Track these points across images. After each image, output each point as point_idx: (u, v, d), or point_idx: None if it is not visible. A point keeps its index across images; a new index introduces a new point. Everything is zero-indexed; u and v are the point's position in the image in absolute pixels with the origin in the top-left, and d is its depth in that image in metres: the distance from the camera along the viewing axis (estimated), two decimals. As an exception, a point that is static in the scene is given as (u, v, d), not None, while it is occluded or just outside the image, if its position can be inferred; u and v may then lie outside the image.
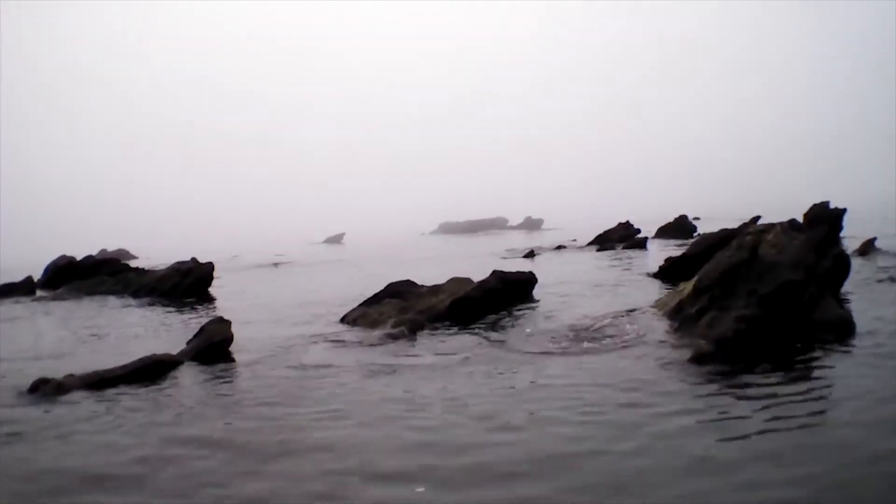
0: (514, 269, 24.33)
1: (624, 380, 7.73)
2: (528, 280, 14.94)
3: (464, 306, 12.74)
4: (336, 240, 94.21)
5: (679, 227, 41.27)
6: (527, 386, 7.93)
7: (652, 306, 11.55)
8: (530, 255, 30.13)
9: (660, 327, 9.89)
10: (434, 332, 11.65)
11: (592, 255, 29.71)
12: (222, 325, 11.43)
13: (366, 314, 12.32)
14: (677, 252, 26.83)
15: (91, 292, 25.16)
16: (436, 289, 13.46)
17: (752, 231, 10.98)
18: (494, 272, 13.88)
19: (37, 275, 28.41)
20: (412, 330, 11.23)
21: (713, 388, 7.42)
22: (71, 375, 9.01)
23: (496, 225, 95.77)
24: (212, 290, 23.38)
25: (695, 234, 40.27)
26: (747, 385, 7.41)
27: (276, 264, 38.50)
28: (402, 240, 77.47)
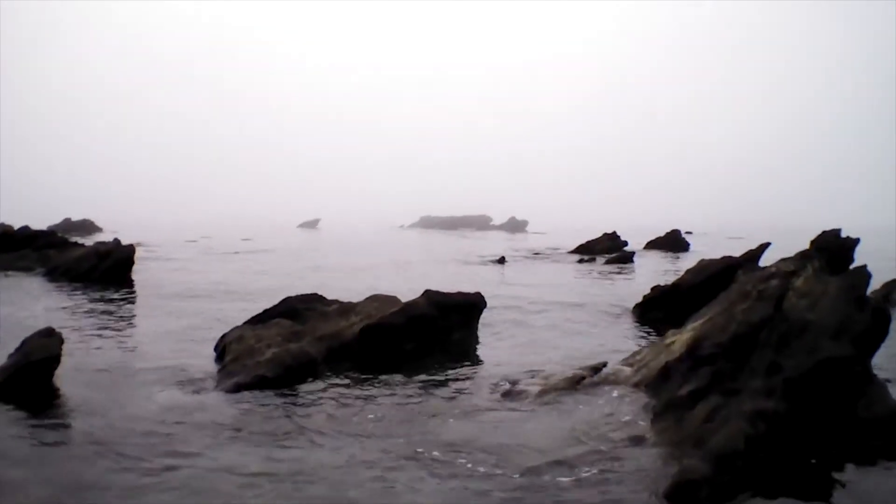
0: (478, 276, 22.40)
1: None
2: (473, 304, 11.67)
3: (380, 336, 9.53)
4: (311, 225, 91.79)
5: (671, 242, 38.28)
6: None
7: (627, 363, 8.34)
8: (501, 261, 26.98)
9: (631, 410, 6.61)
10: (328, 376, 8.47)
11: (571, 267, 26.49)
12: (48, 340, 8.24)
13: (243, 338, 9.04)
14: (666, 274, 24.08)
15: (8, 267, 22.57)
16: (347, 308, 10.23)
17: (776, 271, 7.81)
18: (427, 292, 10.62)
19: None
20: (288, 372, 7.95)
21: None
22: None
23: (478, 223, 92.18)
24: (140, 275, 20.48)
25: (688, 249, 37.34)
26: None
27: (236, 252, 35.29)
28: (378, 231, 74.65)
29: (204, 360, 9.18)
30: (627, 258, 28.74)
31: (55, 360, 8.04)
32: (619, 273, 24.07)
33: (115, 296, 16.03)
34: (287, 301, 10.40)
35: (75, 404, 7.25)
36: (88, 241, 37.80)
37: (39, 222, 57.03)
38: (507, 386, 7.81)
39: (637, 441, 5.85)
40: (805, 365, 6.38)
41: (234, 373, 8.18)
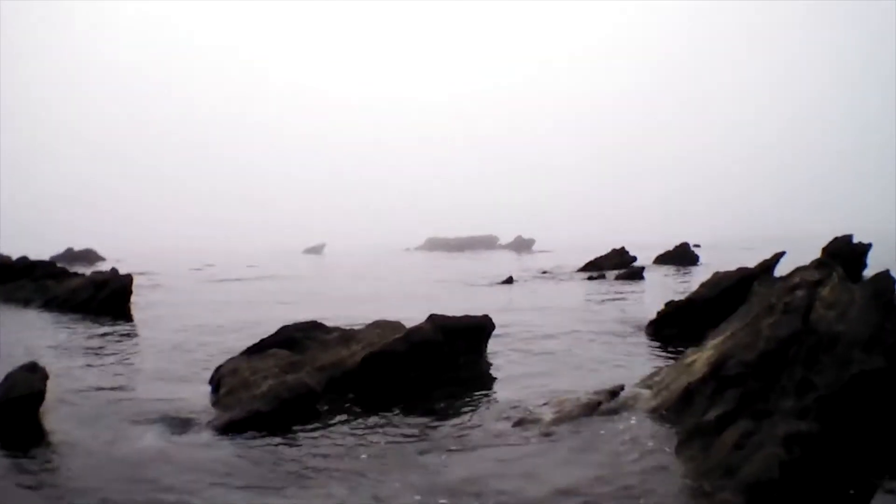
0: (486, 298, 21.83)
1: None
2: (481, 328, 11.20)
3: (383, 365, 9.05)
4: (316, 250, 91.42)
5: (680, 256, 37.80)
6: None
7: (645, 386, 7.85)
8: (509, 281, 26.47)
9: (653, 438, 6.11)
10: (327, 409, 8.00)
11: (580, 285, 25.97)
12: (31, 375, 7.87)
13: (238, 371, 8.58)
14: (677, 289, 23.60)
15: (6, 298, 22.39)
16: (347, 336, 9.75)
17: (800, 281, 7.33)
18: (432, 316, 10.15)
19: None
20: (284, 406, 7.46)
21: None
22: None
23: (485, 244, 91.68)
24: (139, 305, 20.15)
25: (698, 263, 36.82)
26: None
27: (238, 279, 34.90)
28: (384, 255, 74.18)
29: (199, 395, 8.70)
30: (637, 274, 28.26)
31: (38, 396, 7.64)
32: (629, 289, 23.56)
33: (111, 328, 15.58)
34: (284, 330, 9.92)
35: (58, 444, 6.83)
36: (90, 270, 37.72)
37: (41, 252, 57.02)
38: (519, 415, 7.31)
39: (662, 472, 5.35)
40: (838, 381, 5.92)
41: (228, 407, 7.72)
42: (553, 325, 14.55)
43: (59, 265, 27.79)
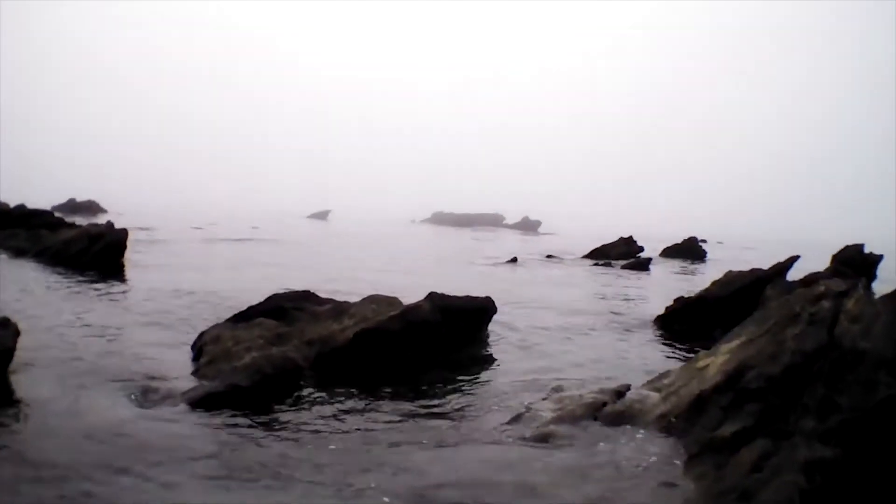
0: (488, 278, 21.37)
1: None
2: (483, 310, 10.72)
3: (375, 343, 8.56)
4: (321, 216, 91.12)
5: (687, 250, 37.13)
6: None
7: (653, 387, 7.34)
8: (513, 261, 25.95)
9: (660, 448, 5.59)
10: (311, 388, 7.53)
11: (585, 271, 25.46)
12: (1, 331, 7.36)
13: (220, 339, 8.09)
14: (685, 283, 23.05)
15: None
16: (340, 309, 9.25)
17: (826, 291, 6.80)
18: (431, 295, 9.67)
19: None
20: (266, 381, 6.97)
21: None
22: None
23: (491, 221, 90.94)
24: (134, 261, 19.66)
25: (705, 259, 36.25)
26: None
27: (239, 240, 34.38)
28: (390, 225, 73.66)
29: (179, 363, 8.21)
30: (644, 265, 27.67)
31: (7, 354, 7.15)
32: (635, 280, 23.03)
33: (100, 284, 15.04)
34: (274, 298, 9.44)
35: (21, 410, 6.33)
36: (89, 222, 37.23)
37: (45, 202, 56.48)
38: (515, 410, 6.83)
39: (670, 490, 4.86)
40: (863, 405, 5.42)
41: (207, 378, 7.26)
42: (556, 312, 14.07)
43: (58, 215, 27.29)
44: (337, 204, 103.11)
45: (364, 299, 9.58)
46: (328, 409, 6.86)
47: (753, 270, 14.50)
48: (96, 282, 15.02)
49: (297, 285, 15.91)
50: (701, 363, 7.13)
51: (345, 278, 17.84)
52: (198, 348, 8.40)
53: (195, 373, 7.72)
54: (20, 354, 7.24)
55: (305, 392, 7.37)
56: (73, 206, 58.75)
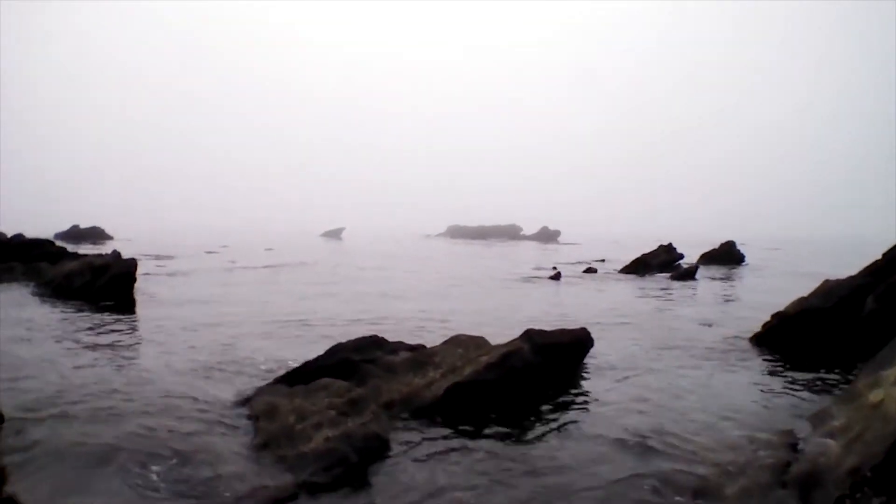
0: (535, 298, 18.71)
1: None
2: (581, 344, 8.79)
3: (468, 396, 6.67)
4: (335, 234, 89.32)
5: (726, 255, 35.15)
6: None
7: (825, 432, 5.44)
8: (556, 277, 23.90)
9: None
10: (398, 458, 5.62)
11: (633, 285, 23.34)
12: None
13: (277, 410, 6.13)
14: (740, 290, 21.08)
15: None
16: (420, 358, 7.29)
17: None
18: (529, 333, 7.74)
19: None
20: (349, 471, 5.05)
21: None
22: None
23: (508, 233, 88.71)
24: (146, 294, 17.80)
25: (743, 263, 34.25)
26: None
27: (259, 266, 32.53)
28: (406, 241, 71.71)
29: (220, 437, 6.25)
30: (691, 274, 25.72)
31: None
32: (689, 292, 20.98)
33: (108, 321, 13.08)
34: (337, 351, 7.39)
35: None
36: (96, 250, 35.26)
37: (46, 230, 54.65)
38: (690, 483, 4.93)
39: None
40: None
41: (265, 469, 5.32)
42: (637, 337, 12.10)
43: (60, 244, 25.38)
44: (349, 221, 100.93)
45: (447, 343, 7.67)
46: (422, 475, 4.98)
47: (851, 278, 12.64)
48: (103, 323, 13.00)
49: (340, 317, 14.19)
50: (871, 397, 5.37)
51: (387, 305, 15.96)
52: (246, 417, 6.45)
53: (249, 456, 5.78)
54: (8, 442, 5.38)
55: (389, 464, 5.47)
56: (76, 234, 57.05)
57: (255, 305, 16.18)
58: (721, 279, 26.06)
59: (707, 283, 23.90)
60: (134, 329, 12.51)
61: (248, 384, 7.65)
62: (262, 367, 8.66)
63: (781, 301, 12.36)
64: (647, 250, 31.41)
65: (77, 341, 11.00)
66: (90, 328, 12.31)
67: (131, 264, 17.44)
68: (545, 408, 7.16)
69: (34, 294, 17.33)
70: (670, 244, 31.42)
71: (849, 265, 14.56)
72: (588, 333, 9.11)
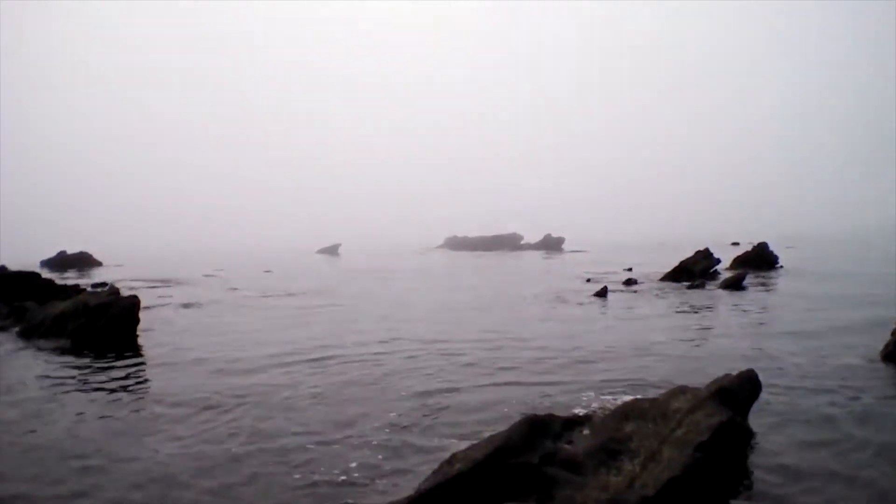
0: (587, 323, 15.55)
1: None
2: (755, 388, 6.54)
3: (685, 489, 4.45)
4: (332, 251, 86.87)
5: (759, 258, 33.05)
6: None
7: None
8: (602, 294, 21.53)
9: None
10: None
11: (690, 298, 20.83)
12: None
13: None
14: (794, 299, 18.79)
15: None
16: (612, 446, 4.98)
17: None
18: (720, 386, 5.52)
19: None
20: None
21: None
22: None
23: (509, 243, 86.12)
24: (150, 330, 15.72)
25: (776, 266, 32.12)
26: None
27: (267, 295, 30.20)
28: (406, 255, 69.27)
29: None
30: (738, 282, 23.54)
31: None
32: (751, 304, 18.78)
33: (111, 378, 10.73)
34: (495, 454, 4.97)
35: None
36: (85, 280, 32.68)
37: (32, 259, 51.85)
38: None
39: None
40: None
41: None
42: (765, 366, 9.90)
43: (49, 273, 22.78)
44: (343, 236, 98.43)
45: (623, 412, 5.40)
46: None
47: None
48: (104, 383, 10.58)
49: (379, 348, 11.96)
50: None
51: (426, 340, 13.66)
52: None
53: None
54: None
55: None
56: (64, 261, 54.39)
57: (282, 344, 13.80)
58: (770, 287, 23.82)
59: (762, 294, 21.66)
60: (140, 381, 10.28)
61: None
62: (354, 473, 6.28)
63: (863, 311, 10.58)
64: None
65: (79, 401, 8.74)
66: (81, 392, 10.01)
67: (132, 302, 15.04)
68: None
69: (15, 345, 14.55)
70: (706, 249, 29.30)
71: (874, 260, 12.68)
72: (755, 375, 6.86)
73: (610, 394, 8.42)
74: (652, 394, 7.07)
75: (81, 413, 8.55)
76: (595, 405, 7.51)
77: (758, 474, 5.50)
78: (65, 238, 72.46)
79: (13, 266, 30.61)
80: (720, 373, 6.83)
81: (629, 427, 5.14)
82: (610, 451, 4.87)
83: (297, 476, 6.07)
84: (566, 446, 4.93)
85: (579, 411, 6.53)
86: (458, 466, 4.43)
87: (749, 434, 5.44)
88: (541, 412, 5.66)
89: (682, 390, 5.86)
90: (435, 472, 4.62)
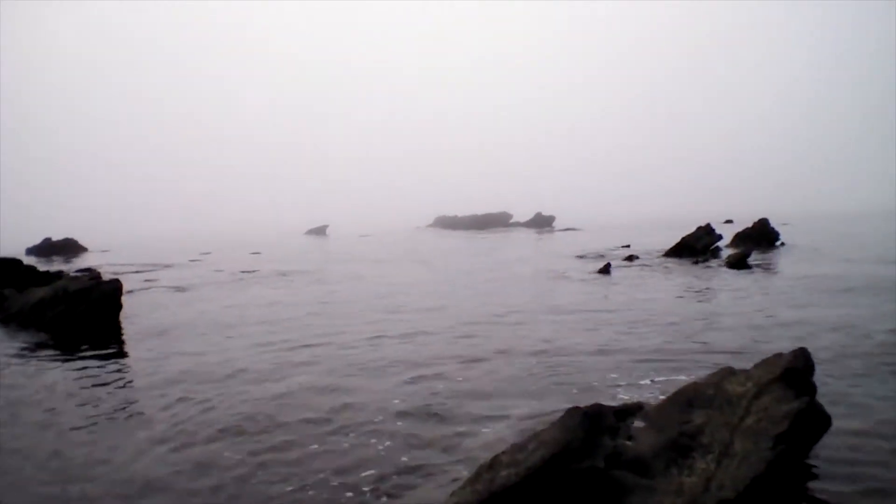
0: (593, 301, 14.73)
1: None
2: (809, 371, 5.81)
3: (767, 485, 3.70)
4: (319, 231, 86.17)
5: (760, 235, 32.34)
6: None
7: None
8: (605, 271, 20.81)
9: None
10: None
11: (700, 274, 20.09)
12: None
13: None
14: (807, 279, 17.97)
15: None
16: (682, 441, 4.21)
17: None
18: (786, 366, 4.74)
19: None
20: None
21: None
22: None
23: (499, 221, 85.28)
24: (133, 318, 14.64)
25: (777, 244, 31.37)
26: None
27: (247, 271, 29.35)
28: (398, 235, 68.37)
29: None
30: (743, 261, 22.71)
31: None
32: (765, 284, 17.94)
33: (90, 367, 9.92)
34: (559, 457, 4.04)
35: None
36: (69, 266, 31.86)
37: (17, 246, 50.88)
38: None
39: None
40: None
41: None
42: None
43: (34, 260, 21.90)
44: (332, 217, 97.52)
45: (678, 401, 4.61)
46: None
47: None
48: (83, 368, 9.81)
49: (377, 346, 11.11)
50: None
51: (438, 321, 12.90)
52: None
53: None
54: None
55: None
56: (49, 247, 53.29)
57: (293, 330, 12.89)
58: (770, 266, 22.96)
59: (763, 272, 20.83)
60: (122, 374, 9.43)
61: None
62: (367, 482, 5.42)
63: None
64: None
65: (55, 394, 7.92)
66: (62, 378, 9.17)
67: (114, 287, 14.24)
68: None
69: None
70: (708, 225, 28.58)
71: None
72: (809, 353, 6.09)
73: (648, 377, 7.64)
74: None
75: (52, 409, 7.74)
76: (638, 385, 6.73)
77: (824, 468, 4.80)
78: (51, 225, 71.38)
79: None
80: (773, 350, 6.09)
81: (698, 418, 4.35)
82: (680, 448, 4.08)
83: (295, 472, 5.30)
84: (628, 443, 4.13)
85: (625, 397, 5.73)
86: (505, 474, 3.62)
87: (828, 421, 4.66)
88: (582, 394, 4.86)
89: (730, 371, 5.11)
90: (472, 480, 3.79)
